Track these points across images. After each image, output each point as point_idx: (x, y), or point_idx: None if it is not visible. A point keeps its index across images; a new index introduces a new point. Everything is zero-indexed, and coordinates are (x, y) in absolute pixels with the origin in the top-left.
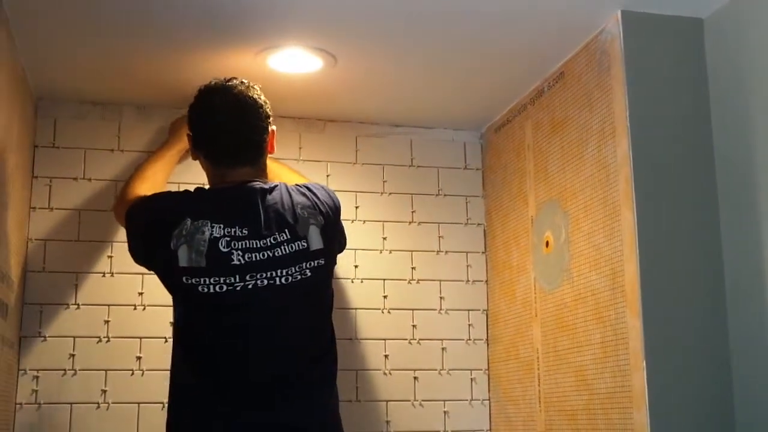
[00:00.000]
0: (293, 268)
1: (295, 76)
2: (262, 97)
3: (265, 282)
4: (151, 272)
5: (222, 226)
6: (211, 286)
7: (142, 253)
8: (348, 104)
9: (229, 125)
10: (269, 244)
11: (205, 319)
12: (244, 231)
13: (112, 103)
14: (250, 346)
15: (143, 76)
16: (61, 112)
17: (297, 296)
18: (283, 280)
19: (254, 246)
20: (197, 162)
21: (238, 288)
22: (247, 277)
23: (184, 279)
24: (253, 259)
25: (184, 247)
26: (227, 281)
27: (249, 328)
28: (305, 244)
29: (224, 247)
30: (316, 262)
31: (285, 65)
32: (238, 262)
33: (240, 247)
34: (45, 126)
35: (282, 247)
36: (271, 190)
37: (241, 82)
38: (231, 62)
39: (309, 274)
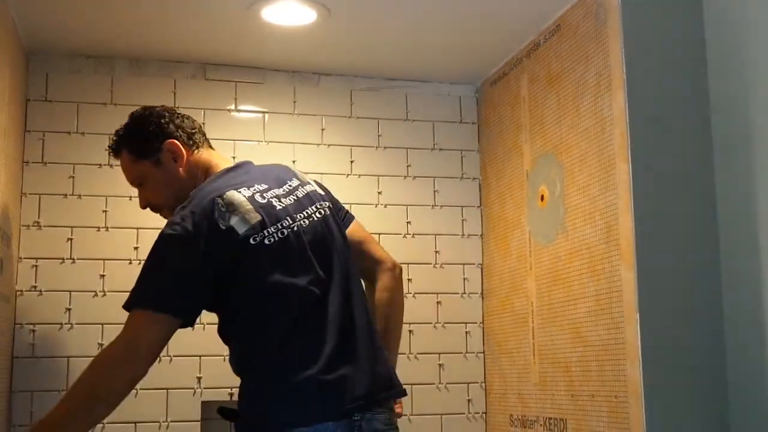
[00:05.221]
0: (313, 207)
1: (288, 29)
2: None
3: (306, 222)
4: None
5: (246, 187)
6: (275, 235)
7: (210, 263)
8: (342, 57)
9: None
10: (289, 188)
11: (283, 270)
12: (263, 185)
13: (104, 57)
14: (333, 284)
15: (136, 30)
16: (53, 66)
17: (331, 229)
18: (316, 215)
19: (282, 192)
20: None
21: (295, 228)
22: (296, 217)
23: (251, 240)
24: (288, 203)
25: (233, 217)
26: (284, 224)
27: (320, 265)
28: (312, 187)
29: (262, 199)
30: (326, 203)
31: (278, 17)
32: (280, 206)
33: (272, 195)
34: (37, 80)
35: (299, 190)
36: (252, 164)
37: None
38: (224, 15)
39: (327, 211)
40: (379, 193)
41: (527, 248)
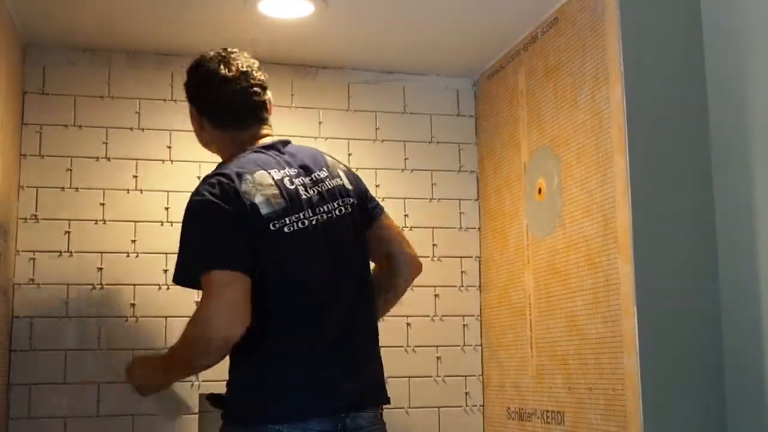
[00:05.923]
0: (335, 203)
1: (285, 22)
2: (254, 60)
3: (325, 216)
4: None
5: (276, 170)
6: (295, 224)
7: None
8: (340, 50)
9: (246, 87)
10: (316, 179)
11: (296, 262)
12: (293, 170)
13: (101, 50)
14: (340, 281)
15: (133, 23)
16: (50, 58)
17: (348, 230)
18: (336, 212)
19: (309, 182)
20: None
21: (314, 222)
22: (317, 210)
23: (271, 226)
24: (312, 194)
25: (259, 195)
26: (305, 215)
27: (332, 263)
28: (340, 181)
29: (290, 185)
30: (350, 199)
31: (275, 10)
32: (306, 196)
33: (300, 183)
34: (34, 73)
35: (325, 183)
36: (289, 144)
37: (232, 49)
38: (221, 8)
39: (350, 209)
40: (377, 186)
41: (525, 241)
